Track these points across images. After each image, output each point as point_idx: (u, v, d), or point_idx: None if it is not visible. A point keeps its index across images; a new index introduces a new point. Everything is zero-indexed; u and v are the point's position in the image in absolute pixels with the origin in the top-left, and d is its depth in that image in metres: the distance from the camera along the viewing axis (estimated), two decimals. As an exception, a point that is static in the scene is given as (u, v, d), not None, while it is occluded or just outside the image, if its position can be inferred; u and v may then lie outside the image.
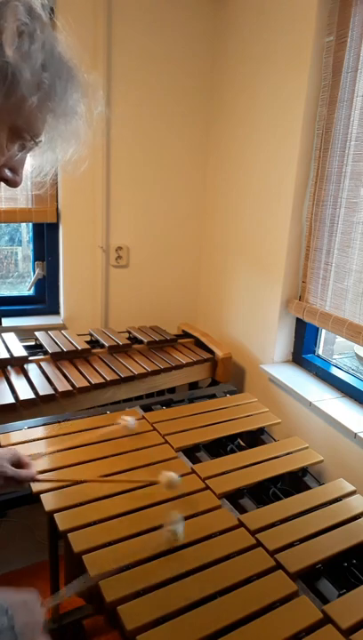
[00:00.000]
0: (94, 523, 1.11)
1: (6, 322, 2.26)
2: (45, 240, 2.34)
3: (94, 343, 2.08)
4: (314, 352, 2.00)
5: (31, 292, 2.42)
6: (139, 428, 1.51)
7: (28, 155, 0.67)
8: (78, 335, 2.06)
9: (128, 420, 1.42)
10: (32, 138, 0.62)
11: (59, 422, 1.49)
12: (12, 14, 0.53)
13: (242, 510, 1.22)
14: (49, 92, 0.59)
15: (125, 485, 1.22)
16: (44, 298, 2.42)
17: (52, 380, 1.71)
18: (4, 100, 0.55)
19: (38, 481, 1.15)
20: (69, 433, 1.44)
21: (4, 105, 0.56)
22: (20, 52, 0.54)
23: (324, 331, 1.96)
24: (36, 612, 0.68)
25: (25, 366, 1.79)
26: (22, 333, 2.05)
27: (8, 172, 0.64)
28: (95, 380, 1.75)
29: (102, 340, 2.04)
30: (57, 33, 0.62)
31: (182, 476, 1.30)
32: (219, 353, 2.07)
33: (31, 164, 0.71)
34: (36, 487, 1.20)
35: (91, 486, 1.22)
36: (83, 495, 1.19)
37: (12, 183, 0.65)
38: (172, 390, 2.05)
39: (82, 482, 1.20)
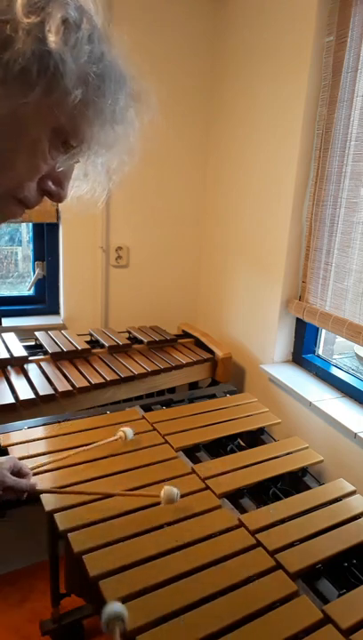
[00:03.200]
0: (94, 523, 1.10)
1: (6, 322, 2.26)
2: (45, 240, 2.34)
3: (94, 343, 2.08)
4: (314, 352, 2.00)
5: (31, 292, 2.42)
6: (139, 427, 1.51)
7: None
8: (78, 335, 2.06)
9: (127, 431, 1.40)
10: (78, 144, 0.56)
11: (59, 422, 1.49)
12: (60, 6, 0.49)
13: (242, 510, 1.22)
14: (96, 88, 0.53)
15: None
16: (44, 298, 2.42)
17: (52, 379, 1.71)
18: (46, 95, 0.50)
19: (38, 492, 1.14)
20: (69, 433, 1.44)
21: (46, 100, 0.50)
22: (65, 40, 0.49)
23: (324, 331, 1.96)
24: None
25: (25, 366, 1.79)
26: (22, 333, 2.05)
27: (52, 185, 0.58)
28: (95, 380, 1.75)
29: (102, 340, 2.04)
30: (109, 36, 0.57)
31: (182, 476, 1.30)
32: (219, 353, 2.07)
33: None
34: (35, 487, 1.20)
35: (91, 486, 1.22)
36: (83, 495, 1.19)
37: (56, 197, 0.59)
38: (172, 390, 2.05)
39: (81, 492, 1.19)
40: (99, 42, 0.53)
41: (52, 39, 0.48)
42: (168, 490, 1.15)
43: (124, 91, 0.57)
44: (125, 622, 0.83)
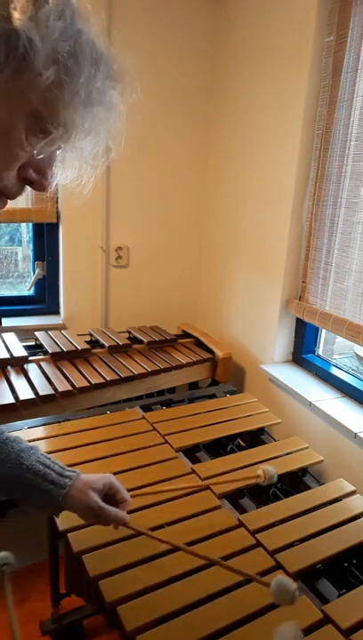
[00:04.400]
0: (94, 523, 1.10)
1: (6, 322, 2.26)
2: (45, 240, 2.34)
3: (94, 343, 2.08)
4: (314, 352, 2.00)
5: (31, 292, 2.42)
6: (139, 427, 1.51)
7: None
8: (78, 335, 2.06)
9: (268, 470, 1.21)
10: (56, 128, 0.52)
11: (59, 422, 1.49)
12: None
13: (242, 510, 1.22)
14: (69, 66, 0.49)
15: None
16: (44, 298, 2.42)
17: (52, 379, 1.71)
18: (15, 77, 0.47)
19: (129, 527, 0.93)
20: (69, 433, 1.44)
21: (16, 82, 0.47)
22: (32, 17, 0.46)
23: (324, 331, 1.96)
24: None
25: (25, 366, 1.79)
26: (22, 333, 2.05)
27: (33, 173, 0.55)
28: (95, 380, 1.75)
29: (102, 340, 2.04)
30: (86, 13, 0.53)
31: (182, 475, 1.30)
32: (219, 353, 2.07)
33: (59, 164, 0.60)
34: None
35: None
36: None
37: (39, 186, 0.55)
38: (172, 390, 2.05)
39: (167, 542, 1.00)
40: (72, 19, 0.50)
41: (18, 16, 0.45)
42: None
43: (102, 71, 0.53)
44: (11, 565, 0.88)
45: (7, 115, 0.49)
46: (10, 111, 0.49)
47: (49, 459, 0.88)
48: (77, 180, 0.63)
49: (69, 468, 0.89)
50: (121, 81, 0.57)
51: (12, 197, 0.56)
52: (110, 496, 0.91)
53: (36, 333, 2.04)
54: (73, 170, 0.62)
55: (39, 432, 1.43)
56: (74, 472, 0.89)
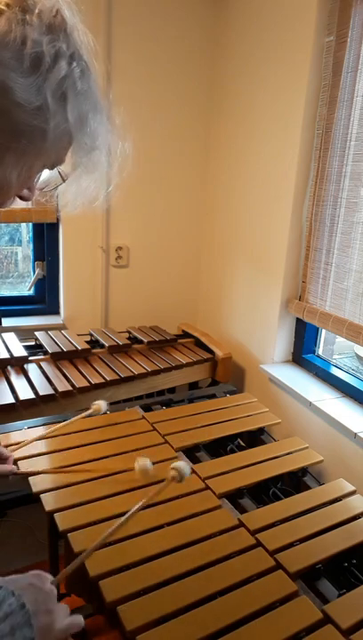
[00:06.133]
0: (94, 523, 1.10)
1: (6, 322, 2.26)
2: (45, 240, 2.33)
3: (94, 343, 2.08)
4: (314, 352, 2.00)
5: (31, 292, 2.42)
6: (139, 427, 1.51)
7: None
8: (78, 335, 2.06)
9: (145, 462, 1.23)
10: (55, 166, 0.63)
11: (59, 422, 1.49)
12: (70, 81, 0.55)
13: (242, 510, 1.22)
14: (78, 126, 0.59)
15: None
16: (44, 298, 2.42)
17: (52, 379, 1.71)
18: (37, 144, 0.56)
19: (18, 474, 1.19)
20: (69, 433, 1.44)
21: (46, 145, 0.57)
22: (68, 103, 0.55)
23: (324, 331, 1.96)
24: (45, 586, 0.67)
25: (25, 366, 1.79)
26: (22, 333, 2.05)
27: (25, 191, 0.65)
28: (95, 380, 1.75)
29: (102, 340, 2.04)
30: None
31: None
32: (219, 353, 2.07)
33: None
34: (36, 487, 1.20)
35: (91, 486, 1.22)
36: (83, 495, 1.19)
37: (27, 198, 0.66)
38: (172, 390, 2.05)
39: (59, 471, 1.26)
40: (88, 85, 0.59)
41: (70, 116, 0.56)
42: (142, 461, 1.18)
43: (99, 120, 0.63)
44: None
45: (28, 172, 0.59)
46: (30, 170, 0.59)
47: None
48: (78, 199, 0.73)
49: None
50: (113, 128, 0.68)
51: (4, 208, 0.66)
52: None
53: (36, 333, 2.04)
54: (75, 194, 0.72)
55: (39, 432, 1.43)
56: None
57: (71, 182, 0.69)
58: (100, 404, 1.38)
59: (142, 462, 1.17)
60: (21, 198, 0.66)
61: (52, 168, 0.63)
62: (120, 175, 0.73)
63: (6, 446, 1.34)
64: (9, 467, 1.14)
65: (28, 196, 0.66)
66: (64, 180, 0.67)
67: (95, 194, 0.71)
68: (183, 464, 1.10)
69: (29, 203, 2.17)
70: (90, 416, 1.41)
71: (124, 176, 0.73)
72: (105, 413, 1.45)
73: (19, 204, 2.15)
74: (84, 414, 1.41)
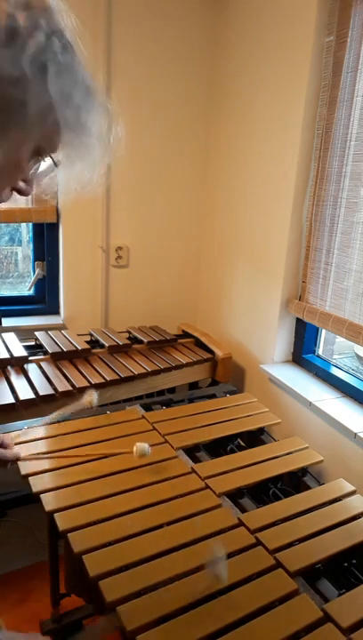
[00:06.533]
0: (94, 523, 1.11)
1: (6, 322, 2.26)
2: (45, 240, 2.33)
3: (94, 343, 2.08)
4: (314, 352, 2.00)
5: (31, 292, 2.42)
6: (139, 427, 1.51)
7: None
8: (78, 335, 2.06)
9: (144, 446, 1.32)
10: (49, 154, 0.63)
11: (59, 422, 1.49)
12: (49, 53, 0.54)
13: (242, 510, 1.22)
14: (73, 116, 0.60)
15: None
16: (44, 298, 2.42)
17: (52, 380, 1.71)
18: (42, 123, 0.57)
19: (22, 459, 1.27)
20: (69, 433, 1.44)
21: (38, 130, 0.57)
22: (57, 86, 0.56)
23: (324, 331, 1.96)
24: None
25: (25, 366, 1.79)
26: (22, 333, 2.05)
27: (22, 184, 0.65)
28: (95, 380, 1.75)
29: (102, 340, 2.04)
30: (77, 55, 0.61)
31: (182, 475, 1.30)
32: (219, 353, 2.07)
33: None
34: (36, 487, 1.20)
35: (92, 486, 1.22)
36: (83, 495, 1.19)
37: (25, 193, 0.66)
38: (172, 390, 2.05)
39: (61, 454, 1.33)
40: (73, 66, 0.59)
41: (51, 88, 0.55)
42: (140, 445, 1.29)
43: (92, 106, 0.63)
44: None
45: (16, 154, 0.58)
46: (18, 152, 0.58)
47: None
48: (72, 187, 0.72)
49: None
50: (106, 114, 0.67)
51: (2, 201, 0.65)
52: None
53: (36, 333, 2.04)
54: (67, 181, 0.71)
55: (39, 432, 1.43)
56: None
57: (64, 167, 0.68)
58: (93, 396, 1.39)
59: (141, 445, 1.29)
60: (20, 192, 0.65)
61: (43, 155, 0.62)
62: (113, 158, 0.71)
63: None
64: (10, 452, 1.20)
65: (26, 190, 0.66)
66: (56, 165, 0.66)
67: (89, 179, 0.69)
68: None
69: (29, 202, 2.18)
70: (82, 408, 1.40)
71: (117, 158, 0.71)
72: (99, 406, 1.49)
73: (19, 204, 2.16)
74: (76, 404, 1.40)
